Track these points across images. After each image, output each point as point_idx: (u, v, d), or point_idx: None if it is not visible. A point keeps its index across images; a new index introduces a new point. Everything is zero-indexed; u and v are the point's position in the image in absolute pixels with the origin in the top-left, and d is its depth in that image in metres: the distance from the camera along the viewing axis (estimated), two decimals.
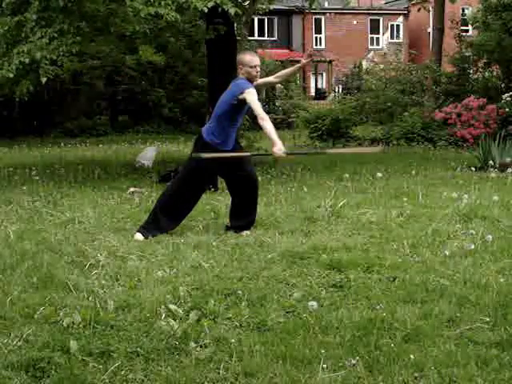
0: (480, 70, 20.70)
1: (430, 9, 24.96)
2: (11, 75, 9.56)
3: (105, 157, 16.06)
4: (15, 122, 25.72)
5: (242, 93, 5.96)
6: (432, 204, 7.71)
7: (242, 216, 6.44)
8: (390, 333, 3.64)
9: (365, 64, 30.87)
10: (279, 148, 5.71)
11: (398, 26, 40.06)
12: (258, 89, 6.41)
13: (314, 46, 38.15)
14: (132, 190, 9.23)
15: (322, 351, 3.36)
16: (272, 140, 5.78)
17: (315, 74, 37.81)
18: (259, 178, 10.16)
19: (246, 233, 6.28)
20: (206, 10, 9.29)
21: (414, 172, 10.61)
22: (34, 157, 16.23)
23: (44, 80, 9.69)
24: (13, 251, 5.51)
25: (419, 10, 22.70)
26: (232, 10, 9.36)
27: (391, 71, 21.85)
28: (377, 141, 17.94)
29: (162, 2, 9.19)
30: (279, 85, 29.26)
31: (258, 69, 6.13)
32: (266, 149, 13.31)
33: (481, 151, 11.67)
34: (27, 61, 9.35)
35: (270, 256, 5.31)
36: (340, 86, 33.38)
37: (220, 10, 9.40)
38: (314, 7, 15.28)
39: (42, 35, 9.46)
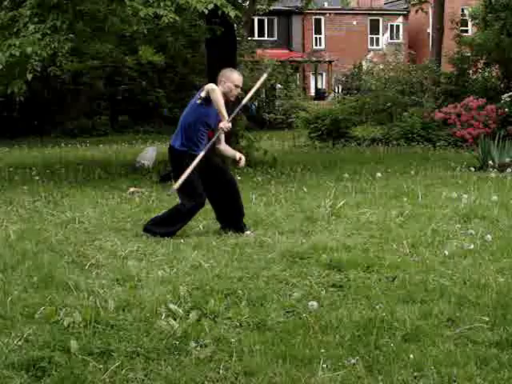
0: (479, 70, 20.73)
1: (430, 9, 24.95)
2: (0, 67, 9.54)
3: (105, 157, 16.05)
4: (15, 122, 25.72)
5: (202, 90, 5.83)
6: (432, 204, 7.71)
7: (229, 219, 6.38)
8: (389, 333, 3.65)
9: (365, 64, 30.86)
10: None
11: (397, 26, 40.04)
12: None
13: (314, 46, 38.14)
14: (132, 190, 9.23)
15: (322, 351, 3.37)
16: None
17: (315, 74, 37.79)
18: (259, 178, 10.24)
19: (247, 233, 6.24)
20: (206, 12, 9.28)
21: (413, 172, 10.61)
22: (34, 157, 16.23)
23: (30, 77, 9.65)
24: (13, 251, 5.51)
25: (417, 11, 22.60)
26: (232, 13, 9.34)
27: (391, 71, 21.85)
28: (376, 141, 17.94)
29: (161, 3, 9.18)
30: (279, 85, 29.28)
31: (239, 91, 6.03)
32: (266, 149, 13.29)
33: (480, 151, 11.67)
34: (17, 53, 9.31)
35: (269, 256, 5.31)
36: (340, 86, 33.36)
37: (220, 12, 9.38)
38: (309, 7, 15.28)
39: (35, 30, 9.45)
